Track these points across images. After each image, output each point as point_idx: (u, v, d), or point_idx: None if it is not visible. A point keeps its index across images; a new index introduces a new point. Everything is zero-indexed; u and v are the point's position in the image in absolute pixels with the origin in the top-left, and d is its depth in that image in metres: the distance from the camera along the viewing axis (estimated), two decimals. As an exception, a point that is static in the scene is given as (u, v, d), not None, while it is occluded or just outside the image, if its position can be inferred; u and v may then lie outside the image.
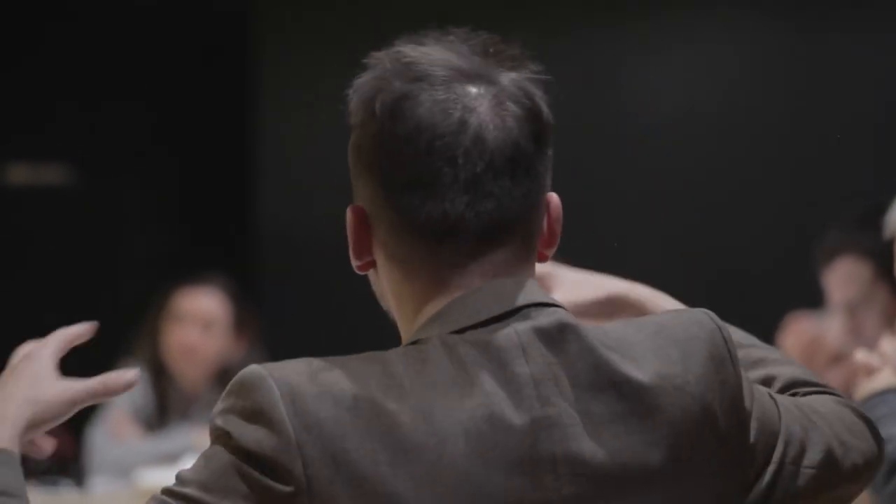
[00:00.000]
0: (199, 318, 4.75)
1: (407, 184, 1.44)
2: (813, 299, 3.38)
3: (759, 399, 1.52)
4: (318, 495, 1.34)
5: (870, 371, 2.28)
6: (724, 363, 1.48)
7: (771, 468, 1.51)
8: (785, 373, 1.67)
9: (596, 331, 1.45)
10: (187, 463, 4.54)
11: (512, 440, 1.38)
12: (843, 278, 3.20)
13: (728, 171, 5.57)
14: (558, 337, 1.43)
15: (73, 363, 5.85)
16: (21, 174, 6.37)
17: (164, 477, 4.25)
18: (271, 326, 5.18)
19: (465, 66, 1.47)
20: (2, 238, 6.19)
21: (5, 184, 6.37)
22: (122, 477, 4.41)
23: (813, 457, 1.54)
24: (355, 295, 6.90)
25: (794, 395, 1.63)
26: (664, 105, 5.63)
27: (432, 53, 1.48)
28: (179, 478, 1.41)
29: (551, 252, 1.52)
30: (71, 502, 4.34)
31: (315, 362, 1.40)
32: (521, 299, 1.44)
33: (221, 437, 1.39)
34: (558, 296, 1.74)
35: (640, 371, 1.43)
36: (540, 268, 1.59)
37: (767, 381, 1.64)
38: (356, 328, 5.87)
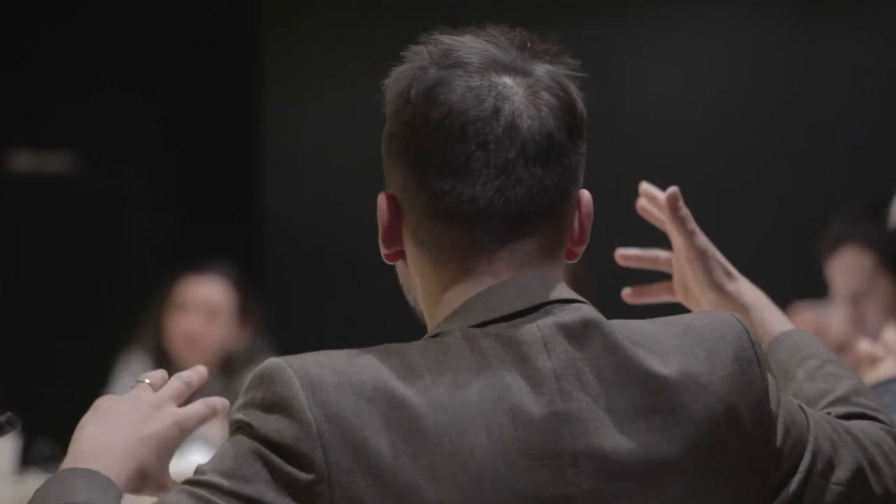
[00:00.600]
0: (203, 306, 4.75)
1: (438, 168, 1.44)
2: (817, 289, 3.39)
3: (786, 406, 1.52)
4: (337, 483, 1.35)
5: (873, 361, 2.29)
6: (751, 365, 1.48)
7: (798, 477, 1.51)
8: (841, 388, 1.66)
9: (622, 327, 1.45)
10: (193, 453, 4.56)
11: (533, 434, 1.38)
12: (846, 269, 3.21)
13: (733, 161, 5.57)
14: (582, 332, 1.43)
15: (78, 350, 5.85)
16: (24, 162, 6.37)
17: (170, 467, 4.26)
18: (275, 314, 5.18)
19: (502, 56, 1.47)
20: (5, 226, 6.20)
21: (8, 172, 6.38)
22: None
23: (842, 474, 1.54)
24: (358, 282, 6.92)
25: (845, 415, 1.62)
26: (665, 98, 5.63)
27: (469, 43, 1.48)
28: (199, 469, 1.40)
29: (581, 249, 1.52)
30: (75, 490, 4.33)
31: (334, 354, 1.40)
32: (545, 296, 1.44)
33: (242, 428, 1.40)
34: (703, 240, 1.76)
35: (665, 367, 1.43)
36: (705, 242, 1.57)
37: (823, 394, 1.64)
38: (360, 316, 5.89)
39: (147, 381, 1.60)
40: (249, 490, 1.36)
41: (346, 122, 6.03)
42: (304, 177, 6.16)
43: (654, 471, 1.41)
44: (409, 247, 1.49)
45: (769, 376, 1.49)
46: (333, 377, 1.37)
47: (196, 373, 1.66)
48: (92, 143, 6.33)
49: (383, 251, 1.52)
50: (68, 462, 1.48)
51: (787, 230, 5.28)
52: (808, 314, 3.60)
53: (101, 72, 6.35)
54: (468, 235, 1.45)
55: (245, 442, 1.38)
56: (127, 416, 1.52)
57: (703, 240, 1.78)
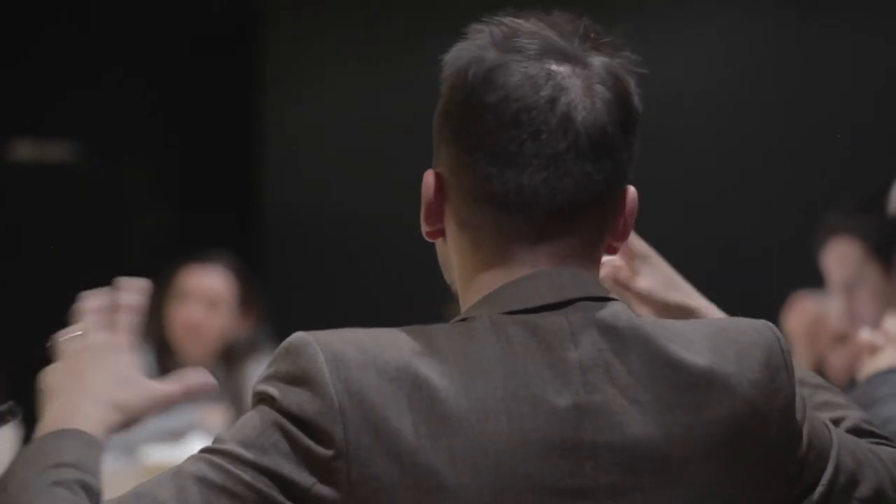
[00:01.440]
0: (204, 296, 4.75)
1: (489, 152, 1.44)
2: (817, 279, 3.40)
3: (811, 419, 1.52)
4: (355, 460, 1.35)
5: (873, 350, 2.29)
6: (780, 372, 1.48)
7: (820, 489, 1.51)
8: (853, 416, 1.66)
9: (654, 324, 1.45)
10: (193, 440, 4.56)
11: (554, 424, 1.38)
12: (837, 259, 3.24)
13: (732, 157, 5.57)
14: (612, 326, 1.43)
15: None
16: (25, 151, 6.37)
17: (169, 454, 4.27)
18: (276, 304, 5.18)
19: (563, 44, 1.47)
20: (5, 215, 6.20)
21: (9, 161, 6.38)
22: (127, 454, 4.42)
23: (864, 491, 1.54)
24: (359, 272, 6.92)
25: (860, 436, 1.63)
26: (664, 96, 5.63)
27: (532, 28, 1.48)
28: (219, 438, 1.40)
29: (621, 245, 1.52)
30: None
31: (360, 332, 1.41)
32: (577, 292, 1.44)
33: (265, 399, 1.40)
34: (646, 281, 1.75)
35: (694, 365, 1.43)
36: (641, 245, 1.59)
37: (835, 422, 1.63)
38: (360, 305, 5.89)
39: (79, 332, 1.60)
40: (266, 461, 1.36)
41: (347, 112, 6.04)
42: (304, 166, 6.16)
43: (675, 467, 1.41)
44: (450, 226, 1.49)
45: (797, 386, 1.49)
46: (358, 354, 1.37)
47: (135, 286, 1.66)
48: (93, 133, 6.33)
49: (424, 228, 1.51)
50: (48, 422, 1.49)
51: (790, 219, 5.28)
52: (808, 305, 3.61)
53: (103, 63, 6.35)
54: (511, 223, 1.45)
55: (267, 413, 1.38)
56: (89, 363, 1.54)
57: (642, 245, 1.78)
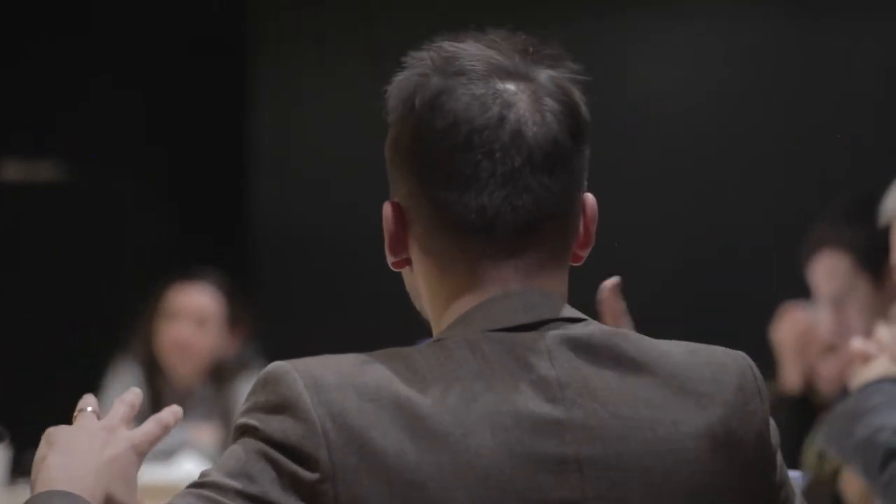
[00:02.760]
0: (193, 314, 4.74)
1: (445, 177, 1.45)
2: (808, 289, 3.39)
3: (780, 457, 1.52)
4: (343, 481, 1.35)
5: (866, 359, 2.29)
6: (754, 397, 1.48)
7: None
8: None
9: (628, 342, 1.46)
10: (183, 459, 4.54)
11: (537, 438, 1.39)
12: (826, 272, 3.22)
13: (729, 159, 5.57)
14: (587, 345, 1.44)
15: (69, 360, 5.83)
16: (15, 171, 6.36)
17: (159, 473, 4.25)
18: (266, 322, 5.18)
19: (505, 62, 1.47)
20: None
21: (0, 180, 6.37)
22: (117, 474, 4.41)
23: None
24: (350, 289, 6.89)
25: None
26: (661, 95, 5.63)
27: (471, 50, 1.48)
28: (204, 473, 1.40)
29: (586, 253, 1.52)
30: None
31: (337, 357, 1.41)
32: (550, 313, 1.45)
33: (247, 431, 1.39)
34: None
35: (670, 383, 1.44)
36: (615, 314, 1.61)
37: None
38: (352, 323, 5.88)
39: (89, 408, 1.58)
40: (254, 489, 1.36)
41: (340, 128, 6.03)
42: (295, 184, 6.15)
43: (659, 480, 1.41)
44: (415, 255, 1.50)
45: (769, 414, 1.50)
46: (337, 378, 1.38)
47: (133, 394, 1.63)
48: (82, 151, 6.32)
49: (389, 259, 1.52)
50: (39, 490, 1.46)
51: (779, 228, 5.28)
52: (798, 315, 3.60)
53: (92, 79, 6.34)
54: (475, 245, 1.45)
55: (250, 443, 1.38)
56: (85, 444, 1.51)
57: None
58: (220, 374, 4.74)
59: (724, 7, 5.73)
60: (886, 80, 5.36)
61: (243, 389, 4.70)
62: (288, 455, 1.36)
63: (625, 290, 1.77)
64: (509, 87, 1.45)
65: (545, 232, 1.46)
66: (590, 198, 1.51)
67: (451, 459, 1.36)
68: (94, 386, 4.75)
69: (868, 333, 2.40)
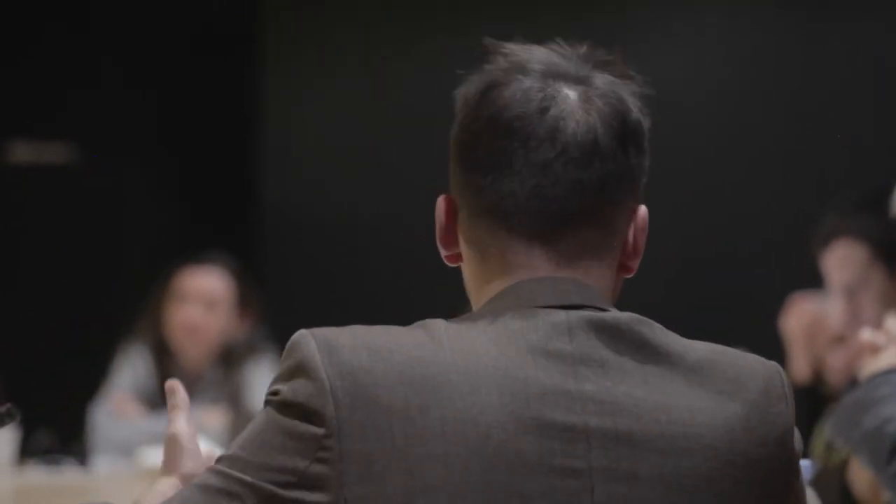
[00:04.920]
0: (202, 297, 4.75)
1: (484, 165, 1.48)
2: (815, 280, 3.39)
3: (801, 481, 1.53)
4: (347, 436, 1.38)
5: (875, 350, 2.29)
6: (780, 401, 1.49)
7: None
8: None
9: (654, 331, 1.47)
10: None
11: (546, 405, 1.40)
12: (840, 261, 3.21)
13: (731, 155, 5.57)
14: (610, 328, 1.45)
15: (78, 342, 5.83)
16: (23, 153, 6.37)
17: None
18: (275, 305, 5.18)
19: (564, 65, 1.51)
20: (4, 216, 6.19)
21: (7, 163, 6.37)
22: (125, 456, 4.42)
23: None
24: (358, 273, 6.90)
25: None
26: (660, 94, 5.62)
27: (533, 52, 1.52)
28: (229, 446, 1.47)
29: (635, 263, 1.54)
30: (74, 481, 4.34)
31: (359, 326, 1.45)
32: (579, 300, 1.47)
33: (268, 401, 1.45)
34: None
35: (692, 376, 1.45)
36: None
37: None
38: (359, 305, 5.88)
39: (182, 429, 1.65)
40: (262, 456, 1.41)
41: (347, 112, 6.03)
42: (303, 167, 6.16)
43: (671, 461, 1.42)
44: (462, 247, 1.53)
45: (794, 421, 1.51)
46: (351, 339, 1.42)
47: (173, 387, 1.68)
48: (91, 134, 6.33)
49: (443, 253, 1.55)
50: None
51: (786, 220, 5.28)
52: (807, 306, 3.60)
53: (101, 63, 6.35)
54: (507, 230, 1.48)
55: (266, 411, 1.44)
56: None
57: None
58: (229, 358, 4.75)
59: (725, 7, 5.73)
60: (886, 79, 5.36)
61: (252, 372, 4.70)
62: (296, 414, 1.40)
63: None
64: (561, 86, 1.49)
65: (578, 226, 1.48)
66: (642, 209, 1.53)
67: (453, 415, 1.39)
68: (103, 368, 4.76)
69: (880, 324, 2.39)
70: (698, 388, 1.44)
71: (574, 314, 1.45)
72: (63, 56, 6.29)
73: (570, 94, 1.48)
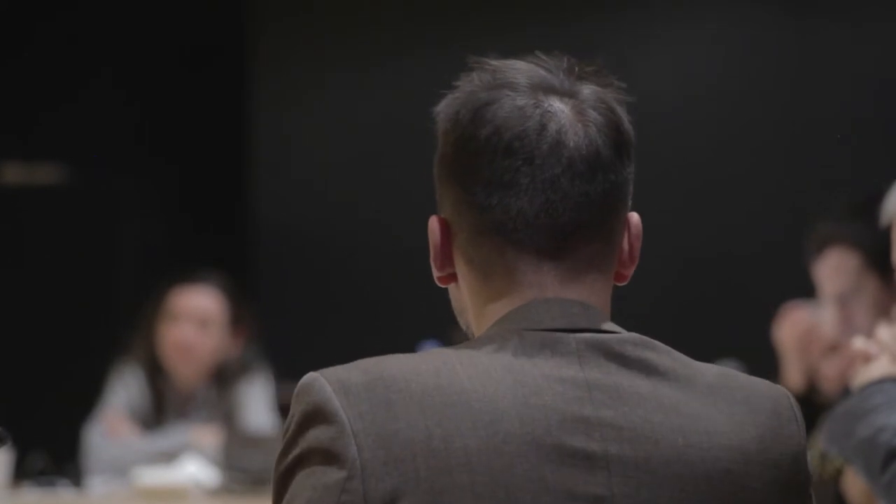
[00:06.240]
0: (195, 316, 4.74)
1: (486, 184, 1.48)
2: (809, 289, 3.38)
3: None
4: (372, 477, 1.37)
5: (867, 359, 2.28)
6: (790, 422, 1.49)
7: None
8: None
9: (662, 355, 1.47)
10: (185, 461, 4.55)
11: (565, 432, 1.40)
12: (832, 269, 3.20)
13: (724, 158, 5.57)
14: (619, 352, 1.45)
15: (71, 362, 5.83)
16: (14, 174, 6.36)
17: (161, 475, 4.25)
18: (267, 323, 5.17)
19: (550, 78, 1.50)
20: (-4, 238, 6.19)
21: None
22: (120, 476, 4.41)
23: None
24: (352, 291, 6.88)
25: None
26: (658, 93, 5.63)
27: (517, 66, 1.51)
28: None
29: (630, 271, 1.54)
30: (68, 501, 4.34)
31: (365, 360, 1.44)
32: (587, 323, 1.47)
33: (288, 457, 1.42)
34: None
35: (703, 397, 1.45)
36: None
37: None
38: (353, 324, 5.88)
39: None
40: None
41: (340, 129, 6.03)
42: (296, 185, 6.16)
43: (690, 488, 1.42)
44: (460, 267, 1.52)
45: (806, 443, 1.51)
46: (363, 376, 1.41)
47: None
48: (82, 153, 6.32)
49: (436, 274, 1.54)
50: None
51: (779, 227, 5.28)
52: (801, 314, 3.60)
53: (91, 81, 6.34)
54: (515, 249, 1.48)
55: (285, 465, 1.41)
56: None
57: None
58: (222, 376, 4.74)
59: (725, 7, 5.73)
60: (886, 79, 5.36)
61: (246, 391, 4.70)
62: (318, 460, 1.39)
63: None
64: (552, 99, 1.49)
65: (584, 239, 1.48)
66: (635, 216, 1.53)
67: (477, 444, 1.38)
68: (96, 389, 4.76)
69: (873, 333, 2.39)
70: (713, 411, 1.44)
71: (581, 339, 1.45)
72: (50, 72, 6.28)
73: (564, 107, 1.48)
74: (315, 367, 1.44)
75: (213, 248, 6.04)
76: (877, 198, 2.69)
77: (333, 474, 1.38)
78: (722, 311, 5.34)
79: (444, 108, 1.52)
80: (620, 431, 1.41)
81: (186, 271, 4.86)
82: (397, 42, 5.94)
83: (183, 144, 6.43)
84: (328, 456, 1.38)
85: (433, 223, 1.52)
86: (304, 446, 1.40)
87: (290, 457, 1.41)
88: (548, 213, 1.46)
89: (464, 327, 1.56)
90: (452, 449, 1.37)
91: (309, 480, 1.39)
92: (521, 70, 1.51)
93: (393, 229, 5.73)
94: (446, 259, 1.52)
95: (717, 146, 5.60)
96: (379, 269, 5.88)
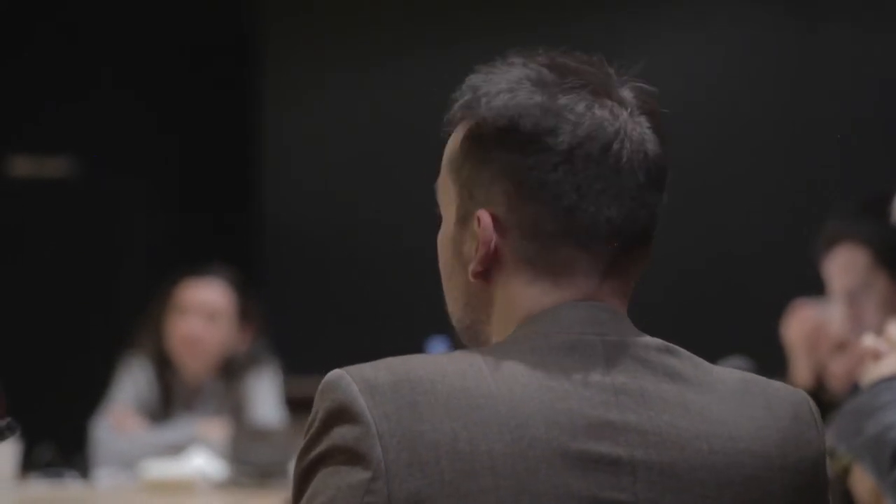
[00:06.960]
0: (203, 309, 4.74)
1: (575, 188, 1.46)
2: (817, 286, 3.38)
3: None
4: (396, 478, 1.36)
5: (876, 356, 2.28)
6: (810, 427, 1.49)
7: None
8: None
9: (686, 362, 1.47)
10: (192, 454, 4.55)
11: (591, 437, 1.40)
12: (842, 266, 3.19)
13: (730, 158, 5.57)
14: (644, 357, 1.45)
15: (78, 355, 5.84)
16: (23, 166, 6.37)
17: (169, 469, 4.26)
18: (275, 317, 5.18)
19: (604, 81, 1.50)
20: (4, 229, 6.20)
21: (7, 177, 6.38)
22: (127, 469, 4.42)
23: None
24: (359, 284, 6.89)
25: None
26: (658, 93, 5.63)
27: (569, 64, 1.50)
28: None
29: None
30: (76, 494, 4.34)
31: (390, 358, 1.43)
32: (614, 327, 1.47)
33: (310, 455, 1.41)
34: None
35: (724, 403, 1.45)
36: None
37: None
38: (360, 317, 5.88)
39: None
40: None
41: (346, 124, 6.03)
42: (303, 179, 6.16)
43: (714, 494, 1.42)
44: (507, 265, 1.49)
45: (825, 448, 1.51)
46: (390, 376, 1.40)
47: None
48: (90, 147, 6.33)
49: (476, 268, 1.49)
50: None
51: (788, 225, 5.28)
52: (808, 312, 3.59)
53: (99, 75, 6.35)
54: (590, 255, 1.47)
55: (305, 473, 1.41)
56: None
57: None
58: (230, 370, 4.74)
59: (725, 7, 5.73)
60: (887, 79, 5.36)
61: (253, 384, 4.70)
62: (342, 459, 1.38)
63: None
64: (613, 105, 1.48)
65: (639, 243, 1.50)
66: None
67: (503, 448, 1.37)
68: (104, 382, 4.76)
69: (882, 330, 2.39)
70: (736, 416, 1.45)
71: (607, 344, 1.45)
72: (60, 68, 6.29)
73: (623, 112, 1.48)
74: (319, 364, 1.44)
75: (220, 242, 6.04)
76: (886, 196, 2.69)
77: (357, 474, 1.37)
78: (722, 311, 5.33)
79: (489, 102, 1.48)
80: (646, 436, 1.41)
81: (194, 264, 4.86)
82: (397, 42, 5.94)
83: (190, 139, 6.44)
84: (353, 456, 1.38)
85: (485, 218, 1.48)
86: (328, 444, 1.39)
87: (314, 454, 1.40)
88: (630, 223, 1.47)
89: (460, 325, 1.54)
90: (477, 452, 1.37)
91: (332, 479, 1.38)
92: (575, 71, 1.49)
93: (395, 226, 5.74)
94: (493, 254, 1.49)
95: (718, 146, 5.60)
96: (383, 265, 5.89)
